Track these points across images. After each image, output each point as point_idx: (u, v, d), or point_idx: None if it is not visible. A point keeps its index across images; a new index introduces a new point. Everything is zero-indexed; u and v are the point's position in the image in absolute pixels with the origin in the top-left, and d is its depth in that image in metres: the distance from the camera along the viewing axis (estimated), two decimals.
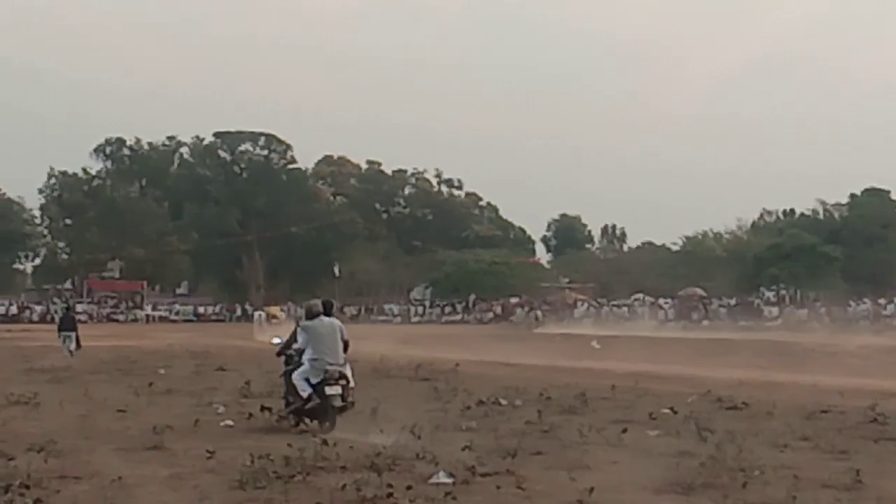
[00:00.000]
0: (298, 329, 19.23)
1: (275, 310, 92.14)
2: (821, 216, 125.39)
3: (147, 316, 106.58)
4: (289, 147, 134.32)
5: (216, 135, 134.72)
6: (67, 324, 43.56)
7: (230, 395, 23.44)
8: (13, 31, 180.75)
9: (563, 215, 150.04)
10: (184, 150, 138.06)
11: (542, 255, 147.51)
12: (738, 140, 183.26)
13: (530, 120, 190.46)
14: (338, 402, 18.06)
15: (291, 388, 18.54)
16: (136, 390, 23.73)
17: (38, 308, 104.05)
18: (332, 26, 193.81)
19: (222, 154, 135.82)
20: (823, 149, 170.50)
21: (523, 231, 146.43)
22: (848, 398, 22.61)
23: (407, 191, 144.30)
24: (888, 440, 16.50)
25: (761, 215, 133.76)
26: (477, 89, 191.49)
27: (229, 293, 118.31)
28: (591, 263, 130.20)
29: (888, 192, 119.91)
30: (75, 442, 15.99)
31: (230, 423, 18.70)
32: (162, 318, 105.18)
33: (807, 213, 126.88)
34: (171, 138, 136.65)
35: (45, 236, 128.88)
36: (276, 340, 20.62)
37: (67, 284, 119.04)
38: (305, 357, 18.46)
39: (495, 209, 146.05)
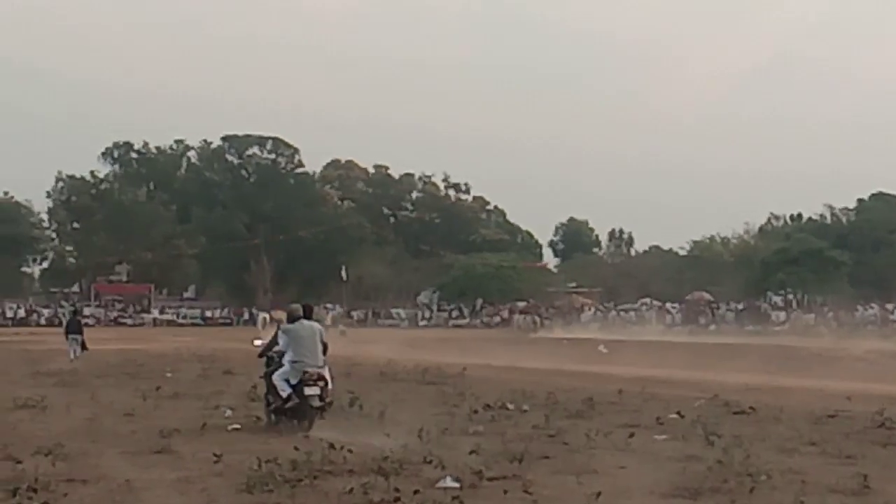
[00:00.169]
0: (279, 332, 19.87)
1: (277, 313, 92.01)
2: (828, 221, 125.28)
3: (154, 319, 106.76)
4: (296, 151, 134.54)
5: (224, 138, 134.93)
6: (74, 327, 43.61)
7: (237, 398, 23.46)
8: (20, 32, 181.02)
9: (571, 219, 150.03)
10: (191, 153, 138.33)
11: (550, 260, 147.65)
12: (746, 142, 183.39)
13: (537, 122, 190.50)
14: (316, 402, 18.58)
15: (272, 389, 19.15)
16: (143, 394, 23.74)
17: (46, 311, 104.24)
18: (338, 27, 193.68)
19: (230, 158, 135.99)
20: (830, 152, 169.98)
21: (531, 235, 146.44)
22: (855, 403, 22.58)
23: (414, 195, 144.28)
24: None
25: (769, 220, 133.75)
26: (484, 91, 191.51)
27: (236, 297, 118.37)
28: (598, 268, 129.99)
29: None
30: (83, 445, 16.00)
31: (237, 426, 18.72)
32: (169, 322, 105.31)
33: (814, 217, 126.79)
34: (178, 142, 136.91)
35: (52, 240, 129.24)
36: (258, 342, 21.78)
37: (75, 288, 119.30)
38: (286, 359, 18.99)
39: (503, 213, 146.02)
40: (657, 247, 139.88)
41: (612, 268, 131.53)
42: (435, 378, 30.54)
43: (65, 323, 49.25)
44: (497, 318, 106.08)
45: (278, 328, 20.35)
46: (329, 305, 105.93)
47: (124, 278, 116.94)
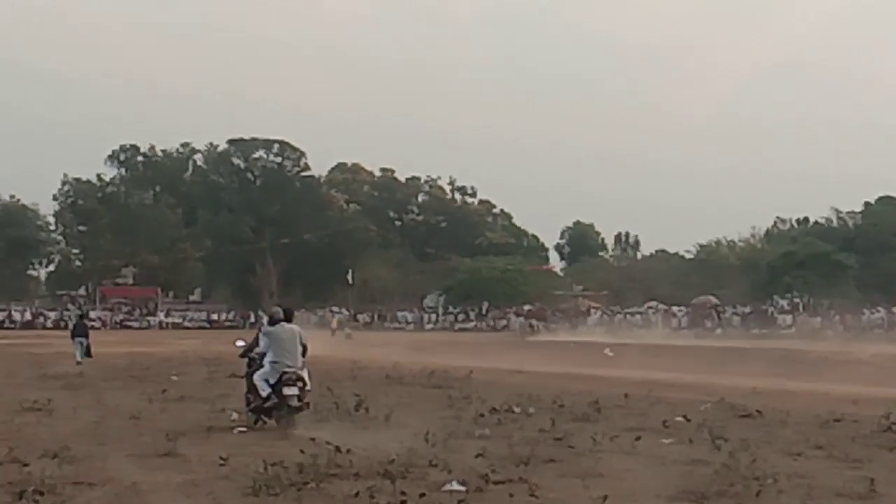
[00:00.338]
0: (260, 334, 20.38)
1: None
2: (835, 224, 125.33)
3: (160, 322, 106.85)
4: (302, 154, 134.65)
5: (230, 142, 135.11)
6: (80, 330, 43.67)
7: (243, 401, 23.43)
8: (26, 34, 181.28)
9: (577, 223, 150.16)
10: (197, 157, 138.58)
11: (556, 263, 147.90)
12: (752, 146, 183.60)
13: (543, 125, 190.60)
14: (294, 402, 19.15)
15: (252, 388, 19.72)
16: (149, 397, 23.76)
17: (52, 314, 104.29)
18: (344, 30, 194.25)
19: (236, 161, 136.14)
20: (837, 155, 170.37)
21: (536, 239, 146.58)
22: (862, 407, 22.53)
23: (420, 198, 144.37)
24: None
25: (775, 223, 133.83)
26: (490, 94, 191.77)
27: (242, 300, 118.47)
28: (604, 271, 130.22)
29: None
30: (89, 448, 16.01)
31: (243, 429, 18.73)
32: (175, 325, 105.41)
33: (821, 221, 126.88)
34: (184, 145, 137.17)
35: (59, 243, 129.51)
36: (240, 343, 21.80)
37: (81, 291, 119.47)
38: (266, 360, 19.55)
39: (509, 216, 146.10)
40: (663, 250, 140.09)
41: (619, 271, 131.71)
42: (441, 381, 30.50)
43: (71, 326, 49.34)
44: (503, 322, 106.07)
45: (259, 331, 20.93)
46: (335, 309, 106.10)
47: (130, 281, 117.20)
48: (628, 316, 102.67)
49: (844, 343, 62.29)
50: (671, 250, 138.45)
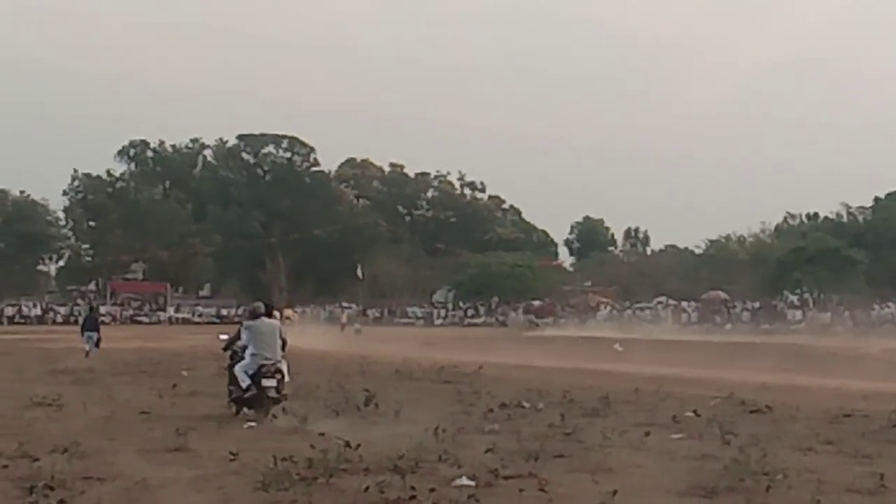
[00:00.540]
0: (242, 328, 21.09)
1: (288, 311, 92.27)
2: (844, 219, 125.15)
3: (170, 317, 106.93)
4: (312, 150, 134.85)
5: (239, 137, 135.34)
6: (90, 324, 43.80)
7: None
8: (37, 31, 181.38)
9: (586, 218, 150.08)
10: (207, 152, 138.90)
11: (565, 258, 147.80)
12: (762, 142, 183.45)
13: (553, 121, 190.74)
14: (272, 394, 19.94)
15: (233, 380, 20.47)
16: (159, 392, 23.77)
17: (62, 310, 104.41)
18: (354, 27, 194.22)
19: (245, 156, 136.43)
20: (847, 150, 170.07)
21: (546, 234, 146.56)
22: (872, 402, 22.53)
23: (430, 193, 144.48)
24: None
25: (785, 219, 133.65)
26: (499, 90, 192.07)
27: (252, 295, 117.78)
28: (613, 266, 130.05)
29: None
30: (99, 443, 16.01)
31: (253, 424, 18.73)
32: (185, 320, 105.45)
33: (830, 216, 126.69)
34: (194, 140, 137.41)
35: (68, 238, 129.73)
36: (223, 337, 22.84)
37: (91, 286, 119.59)
38: (247, 352, 20.31)
39: (518, 212, 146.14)
40: (673, 245, 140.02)
41: (628, 266, 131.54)
42: (450, 377, 30.51)
43: (81, 320, 49.43)
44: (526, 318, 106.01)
45: (241, 324, 21.72)
46: (345, 304, 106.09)
47: (140, 276, 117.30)
48: (637, 311, 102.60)
49: (854, 338, 62.29)
50: (681, 245, 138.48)
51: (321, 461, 13.29)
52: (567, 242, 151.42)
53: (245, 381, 20.04)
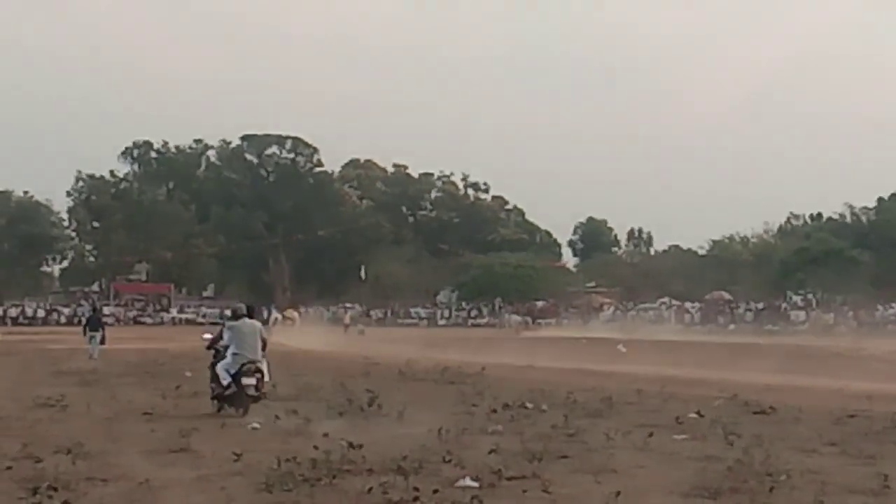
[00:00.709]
0: (224, 328, 22.04)
1: (289, 312, 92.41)
2: (848, 220, 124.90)
3: (173, 318, 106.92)
4: (315, 150, 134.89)
5: (243, 138, 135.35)
6: (94, 324, 43.92)
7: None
8: (38, 30, 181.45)
9: (590, 219, 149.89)
10: (210, 153, 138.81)
11: (569, 259, 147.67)
12: (765, 142, 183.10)
13: (557, 122, 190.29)
14: (251, 392, 20.80)
15: (215, 378, 21.36)
16: (162, 393, 23.80)
17: (66, 310, 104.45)
18: (358, 26, 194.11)
19: (249, 157, 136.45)
20: (851, 151, 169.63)
21: (549, 234, 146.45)
22: (876, 403, 22.51)
23: (433, 194, 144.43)
24: None
25: (788, 219, 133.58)
26: (503, 90, 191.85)
27: (255, 296, 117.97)
28: (617, 267, 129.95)
29: None
30: (102, 444, 16.03)
31: (256, 425, 18.73)
32: (188, 321, 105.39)
33: (834, 216, 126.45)
34: (197, 141, 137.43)
35: (72, 239, 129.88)
36: (207, 336, 23.53)
37: (95, 287, 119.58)
38: (229, 352, 21.16)
39: (522, 212, 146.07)
40: (676, 246, 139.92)
41: (632, 267, 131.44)
42: (454, 377, 30.53)
43: (84, 320, 49.54)
44: (523, 318, 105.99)
45: (223, 325, 22.74)
46: (348, 305, 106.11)
47: (144, 277, 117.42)
48: (641, 312, 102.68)
49: (858, 339, 62.26)
50: (684, 246, 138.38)
51: (324, 462, 13.32)
52: (570, 243, 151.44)
53: (226, 380, 20.87)
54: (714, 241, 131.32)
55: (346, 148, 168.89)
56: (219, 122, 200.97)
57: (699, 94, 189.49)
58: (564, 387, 26.29)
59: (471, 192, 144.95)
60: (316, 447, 13.98)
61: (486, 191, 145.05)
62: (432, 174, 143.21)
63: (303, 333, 65.98)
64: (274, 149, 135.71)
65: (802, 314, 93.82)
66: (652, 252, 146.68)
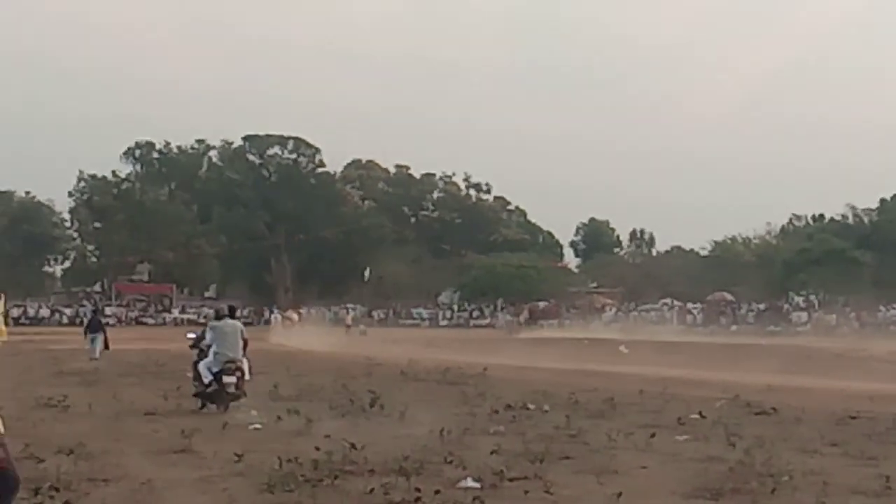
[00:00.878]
0: (207, 328, 22.72)
1: (289, 313, 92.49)
2: (850, 221, 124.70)
3: (175, 319, 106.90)
4: (317, 151, 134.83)
5: (245, 138, 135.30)
6: (95, 326, 43.94)
7: (258, 397, 23.48)
8: (42, 31, 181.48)
9: (592, 219, 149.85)
10: (212, 153, 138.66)
11: (571, 260, 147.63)
12: (767, 143, 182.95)
13: (558, 122, 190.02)
14: (232, 389, 21.52)
15: (198, 376, 22.15)
16: (164, 393, 23.77)
17: (68, 311, 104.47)
18: (360, 27, 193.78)
19: (251, 157, 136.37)
20: (853, 151, 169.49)
21: (551, 235, 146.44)
22: (878, 404, 22.54)
23: (435, 195, 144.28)
24: None
25: (790, 220, 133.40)
26: (505, 91, 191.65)
27: (257, 296, 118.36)
28: (619, 268, 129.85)
29: None
30: (104, 444, 16.03)
31: (258, 426, 18.74)
32: (190, 321, 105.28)
33: (836, 217, 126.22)
34: (199, 142, 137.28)
35: (74, 239, 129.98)
36: (191, 336, 24.49)
37: (96, 287, 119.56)
38: (211, 351, 21.86)
39: (524, 213, 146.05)
40: (678, 247, 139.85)
41: (634, 268, 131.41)
42: (456, 378, 30.56)
43: (85, 322, 49.56)
44: (521, 319, 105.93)
45: (206, 324, 23.86)
46: (350, 305, 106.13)
47: (146, 278, 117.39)
48: (643, 312, 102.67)
49: (860, 340, 62.28)
50: (686, 247, 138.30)
51: (326, 463, 13.33)
52: (572, 244, 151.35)
53: (207, 378, 21.70)
54: (716, 242, 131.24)
55: (348, 149, 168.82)
56: (221, 124, 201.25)
57: (701, 96, 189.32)
58: (566, 387, 26.33)
59: (473, 192, 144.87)
60: (318, 448, 13.99)
61: (489, 191, 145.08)
62: (434, 175, 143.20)
63: (304, 334, 65.98)
64: (276, 149, 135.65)
65: (804, 315, 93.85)
66: (654, 253, 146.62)
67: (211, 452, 15.12)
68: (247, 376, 22.08)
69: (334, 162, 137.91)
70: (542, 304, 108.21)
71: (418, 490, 11.80)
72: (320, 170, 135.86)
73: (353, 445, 14.16)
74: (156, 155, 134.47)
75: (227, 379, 21.42)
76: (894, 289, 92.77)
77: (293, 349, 52.25)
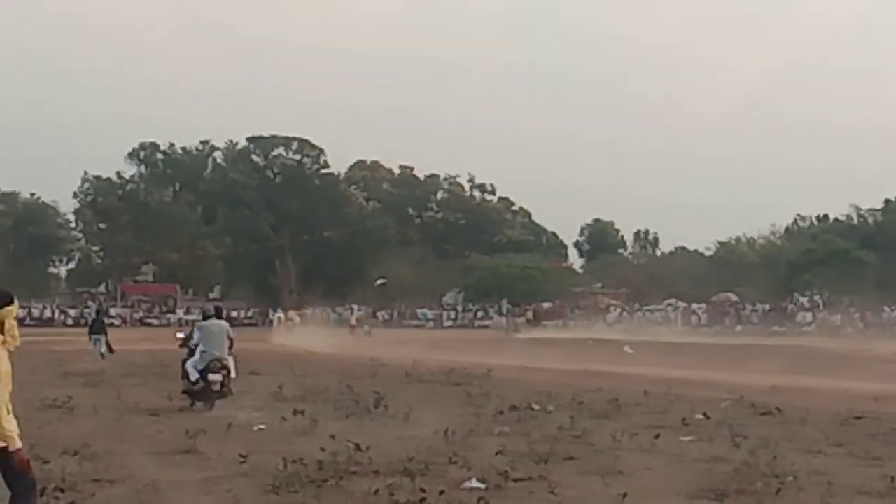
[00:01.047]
0: (195, 328, 23.54)
1: (290, 313, 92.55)
2: (855, 221, 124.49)
3: (179, 320, 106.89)
4: (321, 151, 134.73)
5: (249, 139, 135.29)
6: (98, 327, 43.99)
7: (263, 398, 23.54)
8: (46, 31, 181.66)
9: (596, 220, 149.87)
10: (217, 154, 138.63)
11: (575, 260, 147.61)
12: (772, 143, 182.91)
13: (562, 123, 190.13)
14: (217, 388, 22.16)
15: (185, 374, 22.81)
16: (169, 394, 23.75)
17: (73, 312, 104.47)
18: (365, 28, 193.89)
19: (255, 159, 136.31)
20: (857, 152, 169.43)
21: (556, 236, 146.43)
22: (882, 404, 22.52)
23: (440, 195, 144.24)
24: None
25: (795, 221, 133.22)
26: (509, 92, 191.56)
27: (262, 297, 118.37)
28: (623, 268, 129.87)
29: None
30: (109, 445, 16.04)
31: (263, 426, 18.75)
32: (195, 322, 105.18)
33: (841, 218, 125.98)
34: (204, 143, 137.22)
35: (79, 240, 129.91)
36: (180, 335, 25.68)
37: (101, 288, 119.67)
38: (198, 350, 22.56)
39: (528, 214, 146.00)
40: (683, 248, 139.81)
41: (638, 269, 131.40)
42: (460, 379, 30.53)
43: (89, 322, 49.57)
44: (523, 319, 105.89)
45: (193, 325, 24.61)
46: (354, 306, 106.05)
47: (150, 279, 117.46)
48: (647, 313, 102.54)
49: (864, 340, 62.18)
50: (690, 247, 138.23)
51: (331, 463, 13.33)
52: (577, 244, 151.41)
53: (194, 376, 22.40)
54: (720, 243, 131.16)
55: (348, 149, 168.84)
56: (221, 124, 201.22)
57: (701, 96, 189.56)
58: (571, 388, 26.33)
59: (477, 193, 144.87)
60: (322, 448, 14.00)
61: (493, 192, 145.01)
62: (438, 175, 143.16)
63: (307, 334, 65.94)
64: (280, 150, 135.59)
65: (809, 315, 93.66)
66: (658, 253, 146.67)
67: (215, 453, 15.14)
68: (233, 374, 22.79)
69: (339, 163, 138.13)
70: (546, 305, 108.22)
71: (423, 491, 11.81)
72: (324, 171, 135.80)
73: (357, 446, 14.16)
74: (160, 156, 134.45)
75: (212, 377, 22.09)
76: None
77: (297, 350, 52.24)
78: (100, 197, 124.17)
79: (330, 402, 22.72)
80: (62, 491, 12.00)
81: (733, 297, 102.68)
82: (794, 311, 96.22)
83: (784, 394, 25.71)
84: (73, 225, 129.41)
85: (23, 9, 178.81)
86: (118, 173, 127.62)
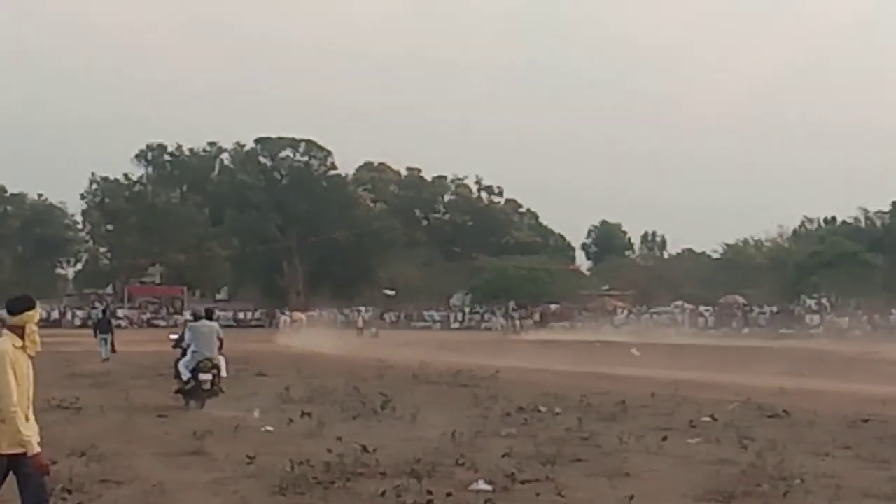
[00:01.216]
0: (186, 329, 24.34)
1: (296, 315, 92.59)
2: (862, 224, 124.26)
3: (186, 321, 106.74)
4: (329, 153, 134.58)
5: (257, 141, 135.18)
6: (104, 327, 44.10)
7: (270, 400, 23.52)
8: (53, 33, 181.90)
9: (604, 222, 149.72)
10: (224, 155, 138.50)
11: (582, 262, 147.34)
12: (779, 145, 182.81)
13: (569, 125, 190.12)
14: (207, 387, 22.76)
15: (177, 373, 23.71)
16: (175, 395, 23.81)
17: (80, 313, 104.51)
18: (372, 30, 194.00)
19: (263, 160, 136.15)
20: (865, 154, 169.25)
21: (563, 238, 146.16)
22: (890, 407, 22.49)
23: (447, 197, 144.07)
24: None
25: (802, 223, 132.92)
26: (516, 93, 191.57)
27: (269, 299, 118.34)
28: (631, 270, 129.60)
29: None
30: (116, 447, 16.06)
31: (270, 428, 18.75)
32: (186, 322, 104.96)
33: (848, 220, 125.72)
34: (211, 144, 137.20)
35: (86, 241, 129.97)
36: (173, 336, 26.37)
37: (109, 290, 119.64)
38: (189, 350, 23.16)
39: (535, 216, 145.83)
40: (690, 249, 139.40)
41: (645, 270, 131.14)
42: (467, 380, 30.53)
43: (95, 322, 49.63)
44: (530, 321, 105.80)
45: (185, 326, 25.43)
46: (361, 307, 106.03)
47: (157, 280, 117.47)
48: (655, 315, 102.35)
49: (872, 343, 62.10)
50: (698, 250, 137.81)
51: (338, 465, 13.34)
52: (584, 246, 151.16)
53: (185, 375, 23.05)
54: (728, 245, 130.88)
55: (348, 149, 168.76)
56: (221, 124, 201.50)
57: (701, 96, 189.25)
58: (578, 390, 26.30)
59: (484, 195, 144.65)
60: (329, 450, 14.01)
61: (500, 194, 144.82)
62: (446, 177, 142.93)
63: (314, 336, 65.93)
64: (287, 152, 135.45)
65: (816, 318, 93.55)
66: (666, 255, 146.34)
67: (223, 454, 15.15)
68: (223, 373, 23.29)
69: (346, 164, 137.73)
70: (553, 307, 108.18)
71: (430, 493, 11.82)
72: (332, 172, 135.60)
73: (364, 448, 14.17)
74: (167, 157, 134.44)
75: (202, 377, 22.67)
76: None
77: (304, 351, 52.23)
78: (107, 198, 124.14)
79: (337, 403, 22.72)
80: (69, 492, 12.02)
81: (741, 300, 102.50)
82: (802, 314, 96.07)
83: (791, 396, 25.69)
84: (80, 226, 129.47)
85: (23, 9, 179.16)
86: (125, 175, 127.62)
